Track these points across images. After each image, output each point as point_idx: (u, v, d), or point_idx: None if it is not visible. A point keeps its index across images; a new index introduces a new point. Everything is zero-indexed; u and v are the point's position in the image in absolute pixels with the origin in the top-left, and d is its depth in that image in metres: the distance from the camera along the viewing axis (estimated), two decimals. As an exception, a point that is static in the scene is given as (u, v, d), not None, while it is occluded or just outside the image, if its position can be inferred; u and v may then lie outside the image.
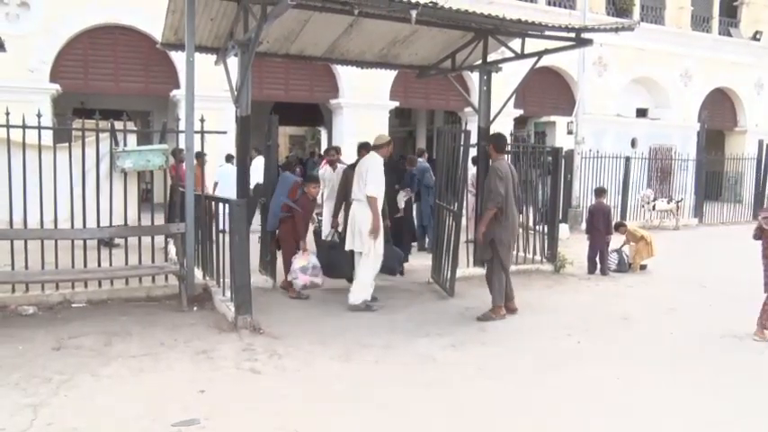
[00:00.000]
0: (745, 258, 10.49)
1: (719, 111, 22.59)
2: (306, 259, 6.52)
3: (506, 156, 6.24)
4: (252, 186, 11.75)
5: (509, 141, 8.93)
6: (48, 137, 6.33)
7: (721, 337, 5.81)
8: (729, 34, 22.47)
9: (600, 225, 8.77)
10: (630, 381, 4.62)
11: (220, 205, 6.73)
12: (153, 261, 6.58)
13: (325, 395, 4.20)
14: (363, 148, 7.04)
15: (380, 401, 4.11)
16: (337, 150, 8.79)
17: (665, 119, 21.01)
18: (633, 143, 19.12)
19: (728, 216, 16.22)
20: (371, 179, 6.21)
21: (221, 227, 6.34)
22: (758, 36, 22.39)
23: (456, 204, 7.04)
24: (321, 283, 6.61)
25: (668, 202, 14.71)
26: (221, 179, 11.54)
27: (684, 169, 16.55)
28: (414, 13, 5.27)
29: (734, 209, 16.40)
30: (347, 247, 6.51)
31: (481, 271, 7.17)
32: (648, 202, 14.52)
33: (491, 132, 7.35)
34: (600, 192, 9.24)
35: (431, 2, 5.50)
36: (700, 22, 21.86)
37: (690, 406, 4.21)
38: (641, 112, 21.45)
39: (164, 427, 3.61)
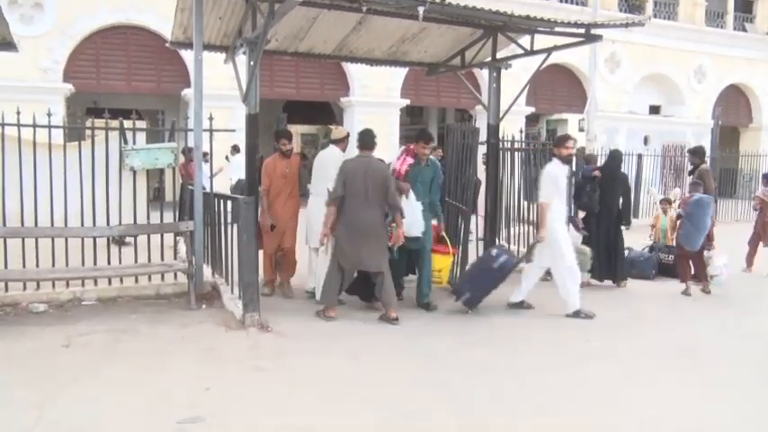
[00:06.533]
0: (760, 256, 10.39)
1: (734, 107, 22.34)
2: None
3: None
4: (234, 183, 11.90)
5: (520, 139, 8.79)
6: (59, 136, 6.38)
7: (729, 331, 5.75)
8: (744, 30, 22.21)
9: None
10: (640, 379, 4.58)
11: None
12: (162, 259, 6.60)
13: (331, 394, 4.19)
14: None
15: (386, 400, 4.09)
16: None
17: (678, 116, 20.82)
18: (645, 140, 18.97)
19: (743, 214, 16.02)
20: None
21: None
22: (774, 31, 22.12)
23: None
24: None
25: None
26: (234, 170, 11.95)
27: (698, 167, 16.35)
28: (421, 9, 5.24)
29: (748, 206, 16.17)
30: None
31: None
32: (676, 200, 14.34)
33: (499, 129, 7.31)
34: None
35: (439, -2, 5.47)
36: (714, 17, 21.63)
37: (695, 407, 4.16)
38: (654, 110, 21.27)
39: (169, 424, 3.62)
